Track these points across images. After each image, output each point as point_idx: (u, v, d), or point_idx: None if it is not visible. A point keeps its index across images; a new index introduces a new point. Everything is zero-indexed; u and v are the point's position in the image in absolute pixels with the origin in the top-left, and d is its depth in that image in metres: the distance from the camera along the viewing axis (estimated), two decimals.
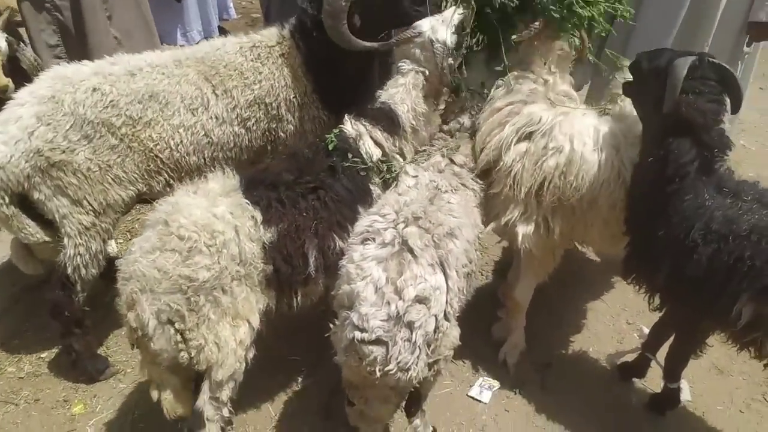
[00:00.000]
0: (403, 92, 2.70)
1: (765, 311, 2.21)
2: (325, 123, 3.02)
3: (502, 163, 2.65)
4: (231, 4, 6.32)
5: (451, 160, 2.66)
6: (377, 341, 1.99)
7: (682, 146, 2.29)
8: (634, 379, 3.07)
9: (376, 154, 2.62)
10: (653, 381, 3.01)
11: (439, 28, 2.66)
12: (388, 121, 2.67)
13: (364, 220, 2.30)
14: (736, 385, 3.08)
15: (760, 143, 5.11)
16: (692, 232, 2.28)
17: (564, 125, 2.61)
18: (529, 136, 2.65)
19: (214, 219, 2.21)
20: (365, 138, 2.62)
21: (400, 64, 2.74)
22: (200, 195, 2.30)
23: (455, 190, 2.51)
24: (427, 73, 2.71)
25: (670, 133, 2.31)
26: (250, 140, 2.97)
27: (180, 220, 2.17)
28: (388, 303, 2.00)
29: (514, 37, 2.73)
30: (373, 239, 2.16)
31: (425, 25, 2.68)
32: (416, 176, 2.50)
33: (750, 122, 5.38)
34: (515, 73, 2.78)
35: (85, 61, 2.76)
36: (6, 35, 3.25)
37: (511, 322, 3.11)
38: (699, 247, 2.28)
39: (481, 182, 2.69)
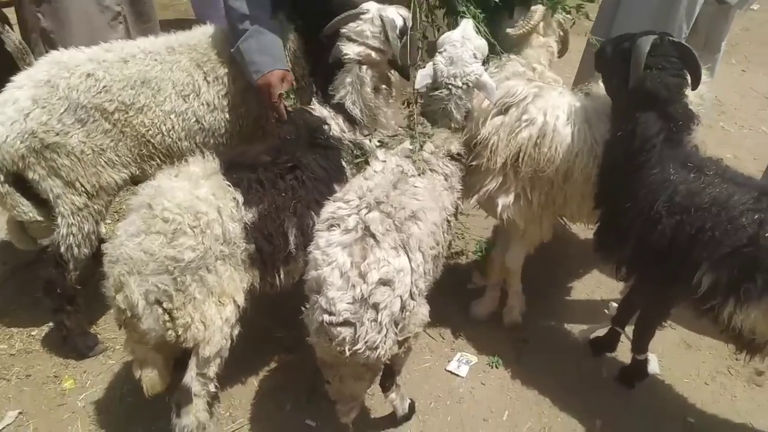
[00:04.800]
0: (353, 93, 2.74)
1: (722, 279, 2.34)
2: None
3: (479, 136, 2.77)
4: None
5: (421, 147, 2.65)
6: (345, 323, 2.08)
7: (649, 119, 2.42)
8: (606, 354, 3.19)
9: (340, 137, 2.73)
10: (624, 355, 3.14)
11: (388, 8, 2.75)
12: (346, 115, 2.76)
13: (329, 206, 2.35)
14: (703, 359, 3.22)
15: (739, 125, 5.18)
16: (657, 204, 2.42)
17: (538, 100, 2.75)
18: (507, 110, 2.78)
19: (197, 201, 2.28)
20: (330, 122, 2.73)
21: (343, 51, 2.70)
22: (182, 178, 2.37)
23: (422, 174, 2.54)
24: (372, 54, 2.72)
25: (637, 108, 2.44)
26: (241, 126, 3.04)
27: (164, 203, 2.24)
28: (354, 286, 2.07)
29: (509, 30, 2.88)
30: (338, 225, 2.23)
31: (373, 4, 2.76)
32: (384, 161, 2.54)
33: (730, 104, 5.43)
34: (508, 56, 2.94)
35: (82, 47, 2.86)
36: None
37: (510, 287, 3.27)
38: (663, 219, 2.41)
39: (454, 165, 2.68)
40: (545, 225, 2.99)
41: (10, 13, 3.81)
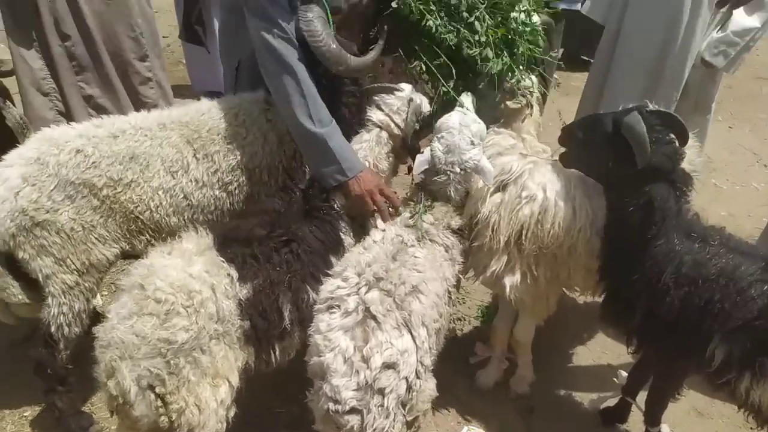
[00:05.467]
0: (366, 149, 2.84)
1: (735, 352, 2.28)
2: None
3: (479, 215, 2.73)
4: None
5: (425, 211, 2.65)
6: (352, 411, 2.03)
7: (662, 191, 2.40)
8: (617, 424, 3.09)
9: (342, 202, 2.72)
10: (635, 425, 3.03)
11: (420, 96, 2.94)
12: None
13: (328, 285, 2.31)
14: (716, 428, 3.11)
15: (731, 182, 5.23)
16: (664, 276, 2.38)
17: (535, 174, 2.72)
18: (504, 188, 2.75)
19: (191, 279, 2.22)
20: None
21: (368, 114, 2.90)
22: (175, 255, 2.31)
23: (422, 243, 2.52)
24: (392, 125, 2.87)
25: (646, 183, 2.41)
26: (231, 204, 3.00)
27: (156, 283, 2.17)
28: (358, 372, 2.03)
29: (509, 103, 2.92)
30: (338, 307, 2.19)
31: (409, 86, 2.94)
32: (384, 230, 2.53)
33: (720, 161, 5.52)
34: (495, 129, 2.94)
35: (73, 123, 2.84)
36: None
37: (520, 357, 3.21)
38: (671, 291, 2.37)
39: (454, 237, 2.66)
40: (552, 299, 2.93)
41: (12, 84, 3.77)
